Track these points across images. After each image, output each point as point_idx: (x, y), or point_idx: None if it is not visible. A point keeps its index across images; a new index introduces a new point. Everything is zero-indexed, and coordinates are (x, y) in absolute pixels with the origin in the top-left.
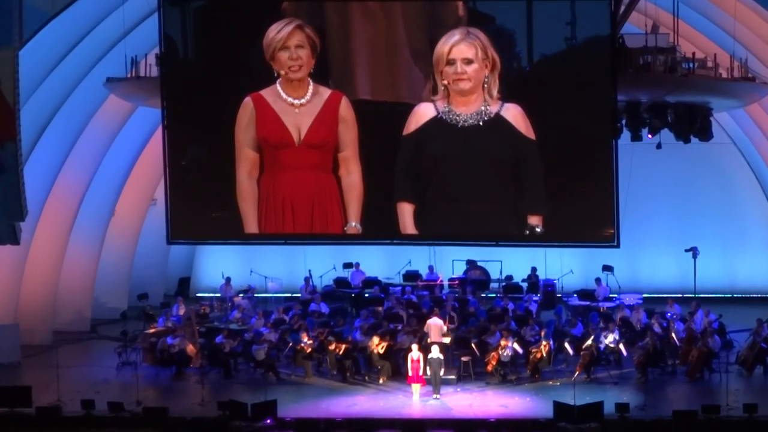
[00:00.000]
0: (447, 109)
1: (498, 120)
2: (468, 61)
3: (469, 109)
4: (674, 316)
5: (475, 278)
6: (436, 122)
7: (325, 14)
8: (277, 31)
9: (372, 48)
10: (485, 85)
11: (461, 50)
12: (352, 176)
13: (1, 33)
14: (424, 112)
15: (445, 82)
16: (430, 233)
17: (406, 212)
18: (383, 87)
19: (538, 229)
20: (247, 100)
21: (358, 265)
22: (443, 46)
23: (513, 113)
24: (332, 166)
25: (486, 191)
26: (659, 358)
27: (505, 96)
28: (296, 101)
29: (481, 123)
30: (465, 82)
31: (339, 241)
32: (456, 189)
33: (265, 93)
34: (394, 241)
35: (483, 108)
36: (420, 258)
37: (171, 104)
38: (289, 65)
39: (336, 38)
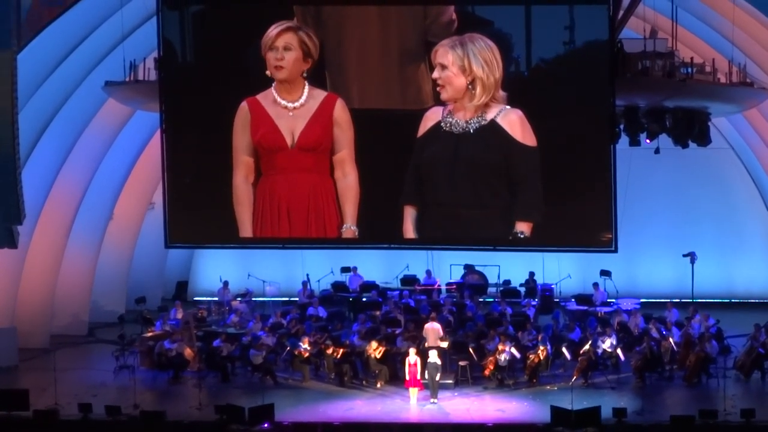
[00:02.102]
0: (448, 115)
1: (491, 126)
2: (442, 67)
3: (465, 116)
4: (673, 323)
5: (473, 283)
6: (436, 128)
7: (324, 22)
8: (269, 31)
9: (367, 55)
10: (469, 93)
11: (439, 55)
12: (348, 179)
13: None
14: (430, 117)
15: (438, 88)
16: (424, 238)
17: (408, 216)
18: (382, 94)
19: (521, 235)
20: (243, 105)
21: (355, 269)
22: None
23: (510, 119)
24: (329, 168)
25: (473, 197)
26: (657, 363)
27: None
28: (290, 104)
29: (471, 130)
30: (442, 88)
31: (336, 245)
32: (444, 194)
33: (261, 97)
34: (392, 246)
35: (479, 115)
36: (418, 262)
37: (169, 108)
38: (273, 64)
39: (333, 47)
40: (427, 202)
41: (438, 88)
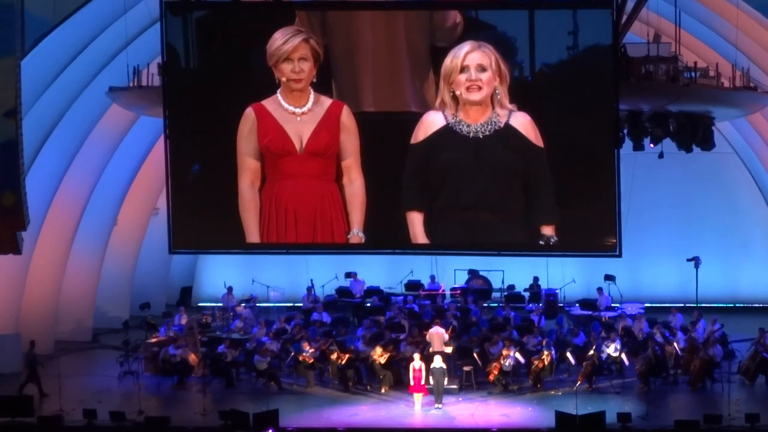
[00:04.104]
0: (456, 119)
1: (508, 129)
2: (482, 68)
3: (478, 120)
4: (677, 327)
5: (477, 288)
6: (446, 131)
7: (330, 26)
8: (283, 41)
9: (375, 58)
10: (496, 97)
11: (475, 57)
12: (354, 185)
13: (2, 42)
14: (433, 121)
15: (458, 91)
16: (438, 243)
17: (415, 222)
18: (387, 97)
19: (552, 240)
20: (249, 111)
21: (355, 275)
22: (456, 55)
23: (522, 122)
24: (335, 175)
25: (496, 201)
26: (661, 368)
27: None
28: (297, 110)
29: (490, 133)
30: (477, 91)
31: (341, 250)
32: (467, 198)
33: (266, 103)
34: (397, 251)
35: (492, 118)
36: (422, 267)
37: (173, 113)
38: (291, 77)
39: (340, 50)
40: (441, 208)
41: (468, 90)
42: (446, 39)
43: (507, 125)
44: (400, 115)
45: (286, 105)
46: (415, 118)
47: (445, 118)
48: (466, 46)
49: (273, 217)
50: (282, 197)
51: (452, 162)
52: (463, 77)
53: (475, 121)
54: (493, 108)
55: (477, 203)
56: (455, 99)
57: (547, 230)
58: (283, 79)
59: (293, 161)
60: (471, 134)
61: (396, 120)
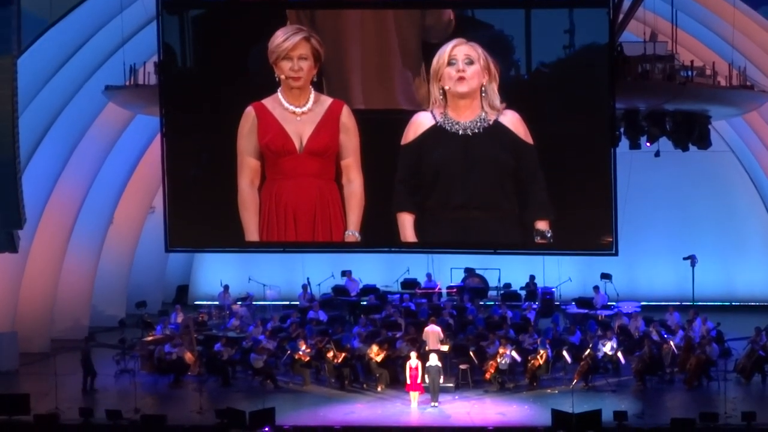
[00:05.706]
0: (444, 118)
1: (497, 127)
2: (470, 60)
3: (467, 117)
4: (673, 326)
5: (473, 286)
6: (436, 131)
7: (319, 22)
8: (284, 39)
9: (366, 56)
10: (483, 94)
11: (463, 50)
12: (352, 184)
13: None
14: (422, 122)
15: (446, 86)
16: (431, 242)
17: (406, 223)
18: (379, 95)
19: (548, 234)
20: (249, 109)
21: (350, 273)
22: (443, 51)
23: (511, 119)
24: (334, 174)
25: (489, 198)
26: (657, 366)
27: (504, 104)
28: (297, 109)
29: (480, 130)
30: (464, 82)
31: (338, 249)
32: (458, 197)
33: (267, 102)
34: (393, 250)
35: (481, 116)
36: (418, 266)
37: (169, 112)
38: (290, 75)
39: (331, 47)
40: (434, 207)
41: (457, 82)
42: (439, 36)
43: (496, 122)
44: (392, 113)
45: (286, 104)
46: (406, 116)
47: (434, 117)
48: (453, 41)
49: (272, 215)
50: (281, 196)
51: (442, 161)
52: (451, 69)
53: (464, 119)
54: (483, 107)
55: (468, 202)
56: (445, 96)
57: (542, 225)
58: (282, 76)
59: (293, 160)
60: (460, 132)
61: (388, 118)
